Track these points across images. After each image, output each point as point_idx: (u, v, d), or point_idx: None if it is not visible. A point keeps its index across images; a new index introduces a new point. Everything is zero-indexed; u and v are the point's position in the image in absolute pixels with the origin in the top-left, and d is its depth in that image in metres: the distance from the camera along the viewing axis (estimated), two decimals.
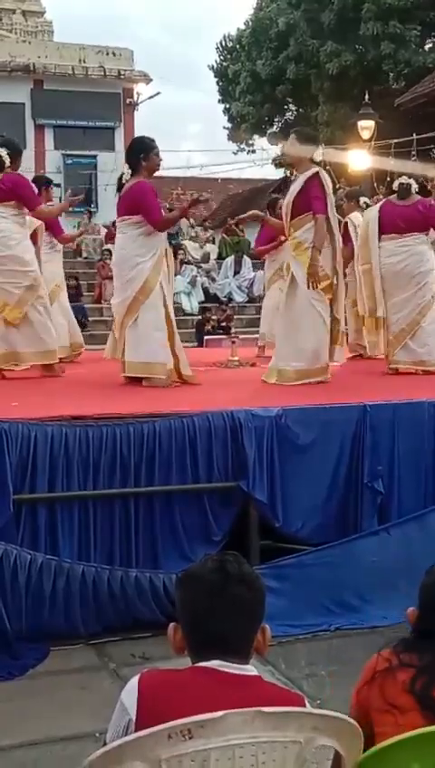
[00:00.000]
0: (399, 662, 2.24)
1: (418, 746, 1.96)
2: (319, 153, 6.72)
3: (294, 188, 6.70)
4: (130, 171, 6.55)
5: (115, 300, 6.72)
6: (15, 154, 7.15)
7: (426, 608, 2.35)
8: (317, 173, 6.56)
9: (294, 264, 6.60)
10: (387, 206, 7.39)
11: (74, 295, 9.84)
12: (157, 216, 6.45)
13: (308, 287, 6.41)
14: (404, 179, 7.41)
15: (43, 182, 8.55)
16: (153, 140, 6.68)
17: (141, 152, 6.57)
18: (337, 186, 21.25)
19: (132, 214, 6.46)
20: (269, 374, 6.76)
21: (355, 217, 8.67)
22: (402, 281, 7.24)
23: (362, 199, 9.34)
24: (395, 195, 7.42)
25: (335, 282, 6.61)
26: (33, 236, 7.49)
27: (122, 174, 6.63)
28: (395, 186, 7.44)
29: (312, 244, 6.40)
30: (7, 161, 6.97)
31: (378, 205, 7.62)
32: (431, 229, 7.42)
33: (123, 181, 6.58)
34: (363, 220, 7.71)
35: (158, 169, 6.75)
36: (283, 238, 7.84)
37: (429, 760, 1.94)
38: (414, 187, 7.42)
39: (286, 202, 6.81)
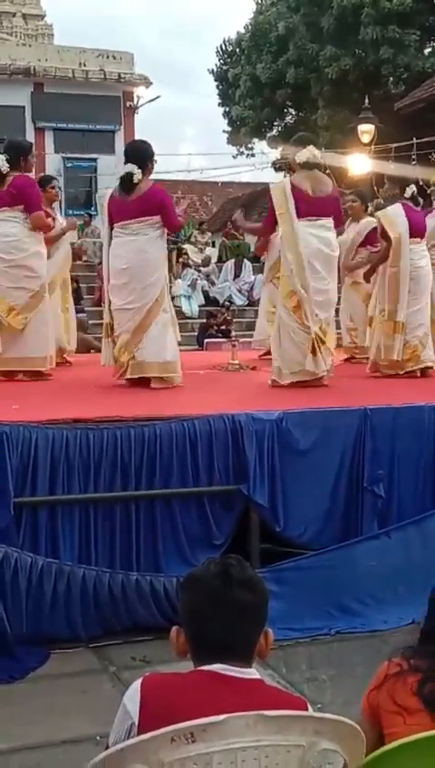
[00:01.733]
0: (409, 666, 2.26)
1: (422, 749, 1.96)
2: (302, 155, 6.77)
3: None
4: (140, 172, 6.52)
5: (127, 304, 6.52)
6: (19, 156, 7.05)
7: (432, 612, 2.37)
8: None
9: None
10: (409, 211, 7.43)
11: (74, 299, 9.85)
12: (177, 219, 6.61)
13: None
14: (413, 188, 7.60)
15: (46, 181, 8.46)
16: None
17: (151, 155, 6.66)
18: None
19: (152, 215, 6.46)
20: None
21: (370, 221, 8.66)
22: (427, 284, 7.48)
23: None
24: (410, 200, 7.50)
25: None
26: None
27: (132, 174, 6.51)
28: (408, 193, 7.51)
29: None
30: (5, 168, 6.94)
31: (400, 208, 7.53)
32: None
33: (135, 181, 6.50)
34: (391, 223, 7.48)
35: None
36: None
37: (432, 764, 1.94)
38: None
39: None
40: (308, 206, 6.59)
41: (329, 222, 6.68)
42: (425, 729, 2.05)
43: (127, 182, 6.51)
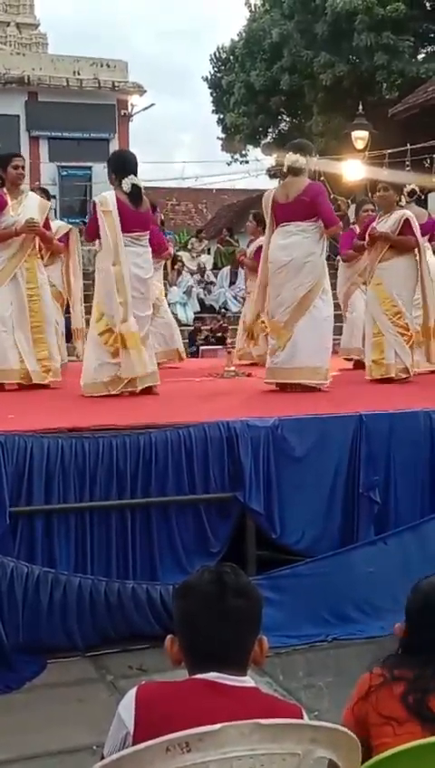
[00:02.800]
0: (392, 676, 2.26)
1: (416, 757, 1.96)
2: (286, 161, 6.89)
3: None
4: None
5: (140, 313, 6.72)
6: None
7: (413, 624, 2.36)
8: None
9: None
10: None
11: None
12: None
13: None
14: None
15: (4, 160, 8.32)
16: None
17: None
18: (331, 195, 21.37)
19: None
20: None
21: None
22: None
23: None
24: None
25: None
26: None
27: (140, 188, 6.68)
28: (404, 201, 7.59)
29: None
30: None
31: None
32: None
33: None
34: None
35: None
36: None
37: None
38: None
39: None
40: (282, 213, 6.82)
41: (298, 226, 6.77)
42: (416, 738, 2.04)
43: (139, 194, 6.65)
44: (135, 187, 6.62)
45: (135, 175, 6.72)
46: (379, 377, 7.36)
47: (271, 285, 6.94)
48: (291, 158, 6.87)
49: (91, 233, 6.80)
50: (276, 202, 6.89)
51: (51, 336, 7.31)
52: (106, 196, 6.67)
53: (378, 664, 2.35)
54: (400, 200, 7.69)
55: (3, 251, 7.11)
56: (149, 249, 6.85)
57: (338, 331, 9.39)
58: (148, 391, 6.73)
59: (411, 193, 8.61)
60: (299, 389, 6.78)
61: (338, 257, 10.18)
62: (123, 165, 6.79)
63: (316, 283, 6.78)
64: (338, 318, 9.46)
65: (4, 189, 7.27)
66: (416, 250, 7.42)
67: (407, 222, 7.38)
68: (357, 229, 9.18)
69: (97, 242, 6.80)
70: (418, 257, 7.45)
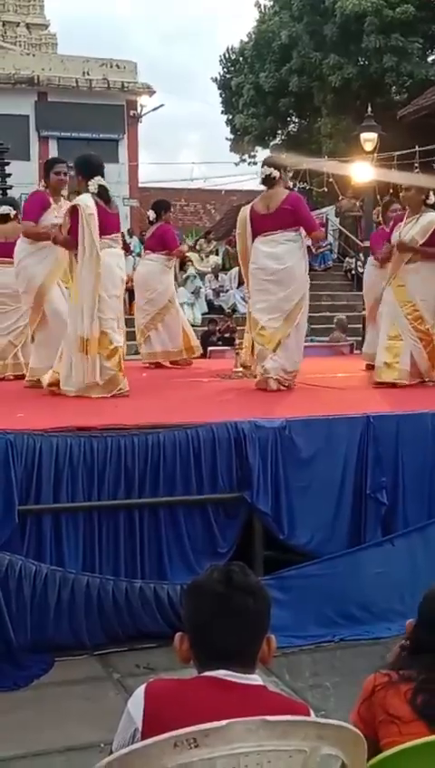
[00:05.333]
0: (399, 676, 2.27)
1: (422, 755, 1.97)
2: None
3: None
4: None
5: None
6: None
7: (423, 625, 2.38)
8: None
9: None
10: None
11: None
12: None
13: None
14: None
15: (49, 165, 8.04)
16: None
17: None
18: (341, 197, 21.39)
19: None
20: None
21: None
22: None
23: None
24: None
25: None
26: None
27: (107, 188, 6.84)
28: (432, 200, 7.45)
29: None
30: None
31: None
32: None
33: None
34: None
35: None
36: None
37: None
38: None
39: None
40: (263, 223, 6.99)
41: (284, 235, 6.90)
42: (421, 738, 2.05)
43: (106, 194, 6.75)
44: (102, 188, 6.69)
45: (102, 177, 6.78)
46: (390, 380, 7.24)
47: (256, 291, 7.07)
48: (265, 170, 7.13)
49: (75, 238, 6.57)
50: (257, 213, 7.06)
51: None
52: (85, 200, 6.59)
53: (384, 667, 2.37)
54: (428, 197, 7.45)
55: (50, 255, 7.20)
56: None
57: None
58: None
59: None
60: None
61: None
62: (89, 167, 6.84)
63: (304, 294, 6.98)
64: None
65: (48, 191, 7.45)
66: None
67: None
68: (386, 229, 9.11)
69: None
70: None
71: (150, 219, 9.98)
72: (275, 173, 7.07)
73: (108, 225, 6.64)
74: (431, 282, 7.24)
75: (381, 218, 10.09)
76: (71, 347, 6.58)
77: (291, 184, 7.39)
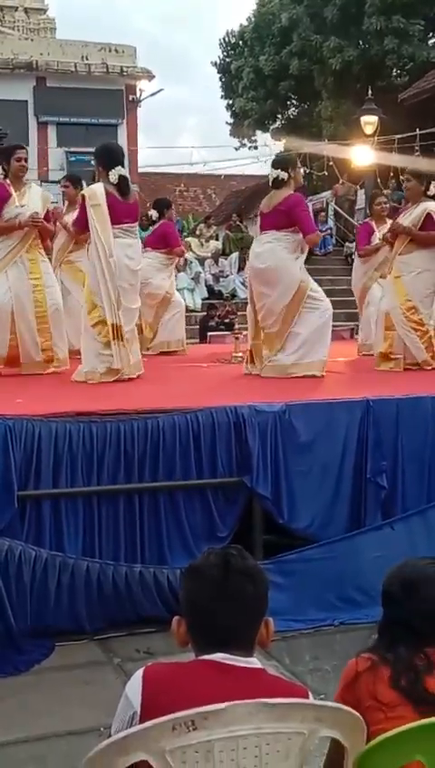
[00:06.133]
0: (380, 659, 2.27)
1: (420, 738, 1.97)
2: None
3: None
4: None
5: (129, 305, 6.81)
6: None
7: (392, 607, 2.39)
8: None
9: None
10: None
11: None
12: None
13: None
14: None
15: (8, 152, 8.02)
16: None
17: None
18: (341, 181, 21.33)
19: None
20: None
21: None
22: None
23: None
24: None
25: None
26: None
27: (127, 178, 6.84)
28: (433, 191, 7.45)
29: None
30: None
31: None
32: None
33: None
34: None
35: None
36: None
37: (432, 750, 1.95)
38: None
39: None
40: (263, 222, 7.02)
41: (273, 235, 6.86)
42: (407, 722, 2.05)
43: (126, 185, 6.72)
44: (122, 178, 6.68)
45: (122, 166, 6.79)
46: (387, 370, 7.32)
47: (255, 294, 7.03)
48: (273, 173, 7.03)
49: (81, 225, 6.83)
50: (261, 212, 7.09)
51: (57, 324, 7.34)
52: (94, 189, 6.71)
53: (364, 650, 2.37)
54: (428, 189, 7.48)
55: (4, 241, 7.18)
56: (139, 240, 6.96)
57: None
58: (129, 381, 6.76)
59: None
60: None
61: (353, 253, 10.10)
62: (110, 156, 6.85)
63: (298, 288, 6.80)
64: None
65: (8, 181, 7.30)
66: None
67: (429, 216, 7.24)
68: (373, 223, 9.12)
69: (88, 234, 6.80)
70: None
71: (153, 219, 9.93)
72: (283, 175, 6.95)
73: (119, 215, 6.62)
74: (423, 270, 7.26)
75: (369, 211, 10.10)
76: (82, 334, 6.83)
77: (303, 174, 7.21)
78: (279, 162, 7.25)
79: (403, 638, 2.30)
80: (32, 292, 7.17)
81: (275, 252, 6.81)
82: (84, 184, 8.48)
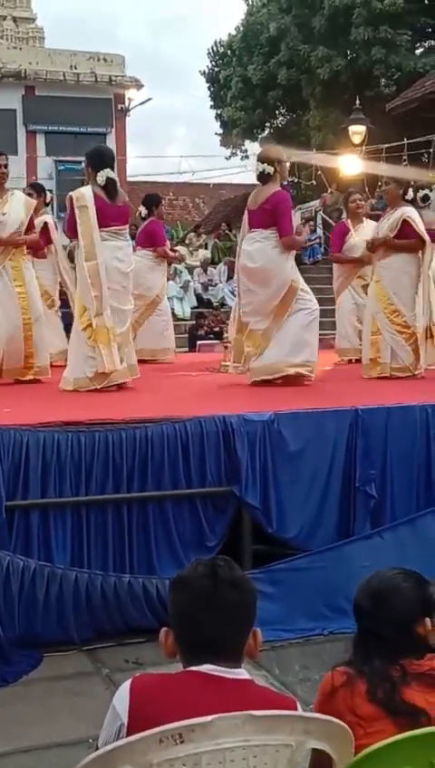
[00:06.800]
0: (356, 672, 2.26)
1: (409, 749, 1.96)
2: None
3: None
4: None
5: (121, 306, 6.82)
6: None
7: (365, 619, 2.38)
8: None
9: None
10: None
11: (65, 302, 9.93)
12: None
13: None
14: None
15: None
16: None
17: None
18: (329, 190, 21.38)
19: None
20: None
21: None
22: None
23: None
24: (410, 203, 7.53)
25: None
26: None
27: (115, 181, 6.79)
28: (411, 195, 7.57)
29: None
30: None
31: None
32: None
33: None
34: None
35: None
36: None
37: (420, 762, 1.95)
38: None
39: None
40: (250, 219, 6.92)
41: (261, 233, 6.79)
42: (388, 735, 2.05)
43: (114, 187, 6.71)
44: (110, 180, 6.66)
45: (111, 169, 6.79)
46: (375, 376, 7.34)
47: (242, 292, 7.01)
48: (259, 167, 6.95)
49: (71, 229, 6.77)
50: (248, 208, 7.00)
51: (39, 333, 7.33)
52: (82, 191, 6.71)
53: (339, 663, 2.36)
54: (406, 193, 7.57)
55: None
56: (130, 242, 6.93)
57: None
58: (120, 387, 6.73)
59: (425, 198, 8.56)
60: (285, 383, 6.80)
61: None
62: (100, 158, 6.85)
63: (288, 289, 6.73)
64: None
65: None
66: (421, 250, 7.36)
67: (406, 222, 7.31)
68: (349, 222, 9.13)
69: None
70: (421, 255, 7.38)
71: (142, 215, 9.86)
72: (269, 169, 6.87)
73: (108, 217, 6.62)
74: (403, 273, 7.32)
75: (344, 209, 10.12)
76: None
77: (292, 183, 7.16)
78: (264, 156, 7.14)
79: (377, 651, 2.30)
80: (17, 299, 7.17)
81: (266, 251, 6.74)
82: (48, 193, 8.53)
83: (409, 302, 7.34)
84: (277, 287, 6.73)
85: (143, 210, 9.81)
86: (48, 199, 8.89)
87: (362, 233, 8.57)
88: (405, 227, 7.33)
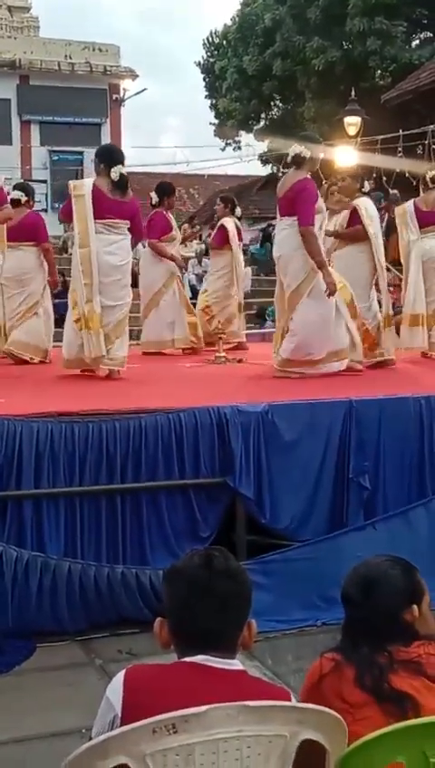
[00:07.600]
0: (343, 659, 2.27)
1: (402, 739, 1.97)
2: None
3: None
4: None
5: (111, 302, 6.84)
6: None
7: (353, 606, 2.38)
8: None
9: None
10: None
11: (61, 292, 9.83)
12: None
13: None
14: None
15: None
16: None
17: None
18: (323, 181, 21.35)
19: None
20: None
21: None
22: None
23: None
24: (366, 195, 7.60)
25: None
26: None
27: (127, 178, 6.86)
28: (366, 188, 7.68)
29: None
30: None
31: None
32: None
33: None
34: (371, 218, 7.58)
35: None
36: None
37: (413, 752, 1.95)
38: None
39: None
40: (278, 206, 6.88)
41: (288, 221, 6.71)
42: (375, 721, 2.06)
43: (124, 183, 6.76)
44: (122, 177, 6.74)
45: (123, 165, 6.84)
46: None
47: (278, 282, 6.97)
48: (295, 149, 6.75)
49: (65, 213, 7.00)
50: (277, 196, 6.91)
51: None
52: (83, 182, 6.87)
53: (327, 650, 2.36)
54: (362, 187, 7.67)
55: None
56: (127, 237, 6.88)
57: None
58: (108, 376, 6.80)
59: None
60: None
61: None
62: (111, 156, 6.97)
63: (302, 281, 6.61)
64: None
65: None
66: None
67: (354, 210, 7.41)
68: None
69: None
70: (371, 244, 7.40)
71: (153, 203, 9.36)
72: (306, 153, 6.69)
73: (104, 209, 6.67)
74: (354, 264, 7.38)
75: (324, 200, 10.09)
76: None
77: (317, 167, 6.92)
78: (305, 137, 7.11)
79: (365, 638, 2.30)
80: None
81: (289, 240, 6.69)
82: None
83: (363, 294, 7.34)
84: (294, 277, 6.62)
85: (154, 197, 9.39)
86: (32, 205, 8.63)
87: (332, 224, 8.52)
88: (353, 217, 7.41)
